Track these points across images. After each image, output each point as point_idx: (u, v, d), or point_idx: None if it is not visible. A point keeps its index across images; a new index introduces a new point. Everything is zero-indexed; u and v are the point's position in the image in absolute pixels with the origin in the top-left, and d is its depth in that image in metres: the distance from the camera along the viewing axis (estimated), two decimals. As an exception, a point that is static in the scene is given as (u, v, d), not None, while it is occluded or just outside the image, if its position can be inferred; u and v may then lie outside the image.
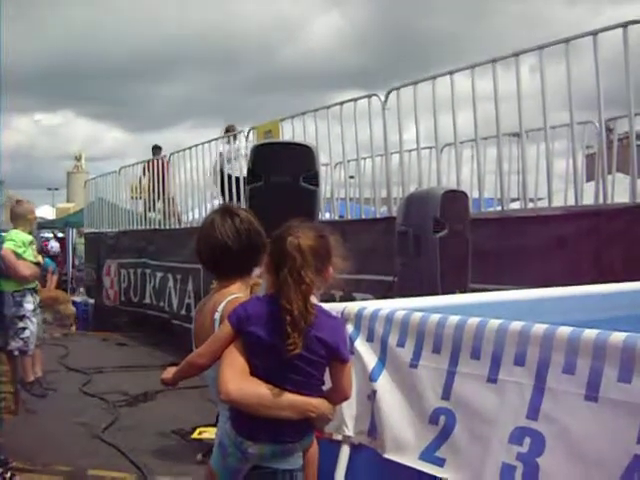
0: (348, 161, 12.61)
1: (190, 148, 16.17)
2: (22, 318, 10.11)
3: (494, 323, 3.21)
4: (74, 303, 19.54)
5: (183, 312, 14.91)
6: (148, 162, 18.62)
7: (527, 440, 2.94)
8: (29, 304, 10.23)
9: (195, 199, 16.63)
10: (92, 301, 20.70)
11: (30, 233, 10.76)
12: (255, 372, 3.23)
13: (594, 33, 8.07)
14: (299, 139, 11.76)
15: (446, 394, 3.31)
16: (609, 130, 11.47)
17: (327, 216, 12.73)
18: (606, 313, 4.81)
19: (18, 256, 10.04)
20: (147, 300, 17.39)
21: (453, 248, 7.03)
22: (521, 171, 9.42)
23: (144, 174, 18.54)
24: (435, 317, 3.48)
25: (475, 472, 3.09)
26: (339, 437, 3.78)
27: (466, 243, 7.26)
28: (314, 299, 3.34)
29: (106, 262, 19.99)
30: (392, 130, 11.14)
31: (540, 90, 8.77)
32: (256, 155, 7.65)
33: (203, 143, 15.56)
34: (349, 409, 3.70)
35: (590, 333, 2.87)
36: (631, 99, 7.95)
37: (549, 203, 9.14)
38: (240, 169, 13.49)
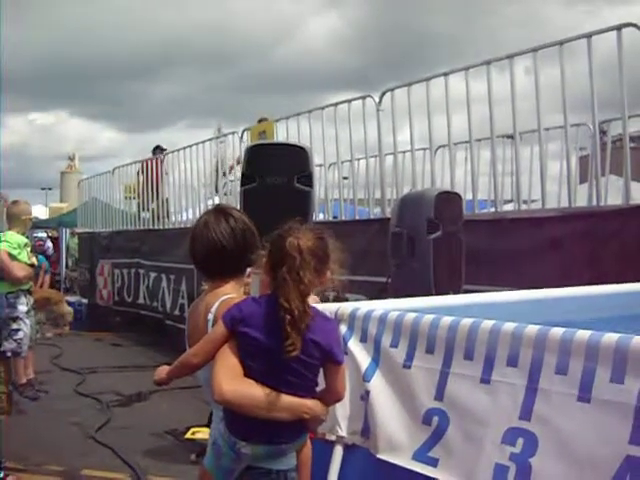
0: (342, 162, 12.62)
1: (184, 148, 16.18)
2: (15, 319, 10.09)
3: (487, 324, 3.22)
4: (68, 303, 19.48)
5: (177, 312, 14.89)
6: (143, 162, 18.59)
7: (520, 440, 2.95)
8: (23, 306, 10.21)
9: (189, 199, 16.63)
10: (86, 301, 20.66)
11: (24, 234, 10.74)
12: (249, 373, 3.23)
13: (588, 35, 8.09)
14: (293, 140, 11.77)
15: (439, 395, 3.32)
16: (603, 132, 11.49)
17: (321, 217, 12.73)
18: (599, 314, 4.83)
19: (13, 258, 10.03)
20: (141, 300, 17.36)
21: (447, 249, 7.04)
22: (515, 173, 9.44)
23: (142, 173, 18.50)
24: (428, 318, 3.49)
25: (468, 472, 3.10)
26: (332, 437, 3.78)
27: (460, 244, 7.27)
28: (311, 300, 3.36)
29: (100, 262, 19.95)
30: (386, 131, 11.16)
31: (537, 92, 8.79)
32: (250, 156, 7.64)
33: (197, 143, 15.56)
34: (342, 409, 3.71)
35: (583, 334, 2.88)
36: (624, 101, 7.97)
37: (542, 205, 9.15)
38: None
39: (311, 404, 3.28)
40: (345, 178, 13.17)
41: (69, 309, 18.41)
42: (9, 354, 10.03)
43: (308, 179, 7.53)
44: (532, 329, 3.05)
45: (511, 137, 9.78)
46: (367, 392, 3.64)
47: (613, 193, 9.65)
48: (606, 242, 7.72)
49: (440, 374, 3.34)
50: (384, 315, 3.71)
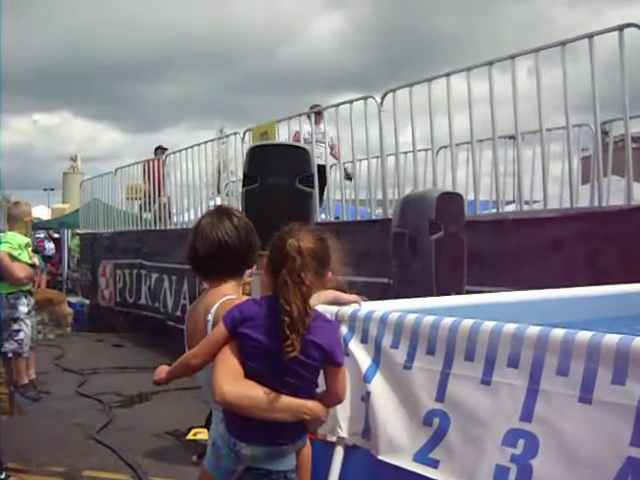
0: (344, 163, 12.63)
1: (186, 149, 16.20)
2: (16, 320, 10.08)
3: (488, 325, 3.21)
4: (69, 304, 19.48)
5: (178, 313, 14.88)
6: (145, 163, 18.62)
7: (521, 442, 2.94)
8: (23, 306, 10.20)
9: (191, 200, 16.65)
10: (87, 302, 20.68)
11: (26, 235, 10.74)
12: (249, 374, 3.22)
13: (590, 36, 8.09)
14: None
15: (440, 396, 3.32)
16: (605, 133, 11.49)
17: (323, 217, 12.73)
18: (601, 315, 4.83)
19: (14, 258, 10.02)
20: (142, 301, 17.38)
21: (448, 250, 7.03)
22: (516, 173, 9.43)
23: (144, 175, 18.51)
24: (429, 319, 3.48)
25: (469, 474, 3.09)
26: (333, 438, 3.78)
27: (461, 245, 7.26)
28: (313, 301, 3.35)
29: (101, 263, 19.97)
30: (388, 132, 11.16)
31: (538, 93, 8.79)
32: (251, 157, 7.64)
33: (199, 144, 15.59)
34: (343, 410, 3.70)
35: (584, 335, 2.87)
36: (626, 102, 7.96)
37: (544, 205, 9.14)
38: (325, 156, 13.23)
39: (311, 405, 3.28)
40: (347, 179, 13.18)
41: (70, 310, 18.41)
42: (10, 355, 10.04)
43: (309, 180, 7.54)
44: (533, 330, 3.04)
45: (513, 138, 9.78)
46: (368, 393, 3.63)
47: (615, 194, 9.64)
48: (608, 243, 7.71)
49: (441, 375, 3.33)
50: (385, 316, 3.70)
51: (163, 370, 3.68)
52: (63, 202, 45.44)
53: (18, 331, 10.09)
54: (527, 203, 11.01)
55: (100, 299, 19.84)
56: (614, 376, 2.73)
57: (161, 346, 14.10)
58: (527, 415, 2.96)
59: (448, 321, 3.39)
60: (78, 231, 24.33)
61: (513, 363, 3.06)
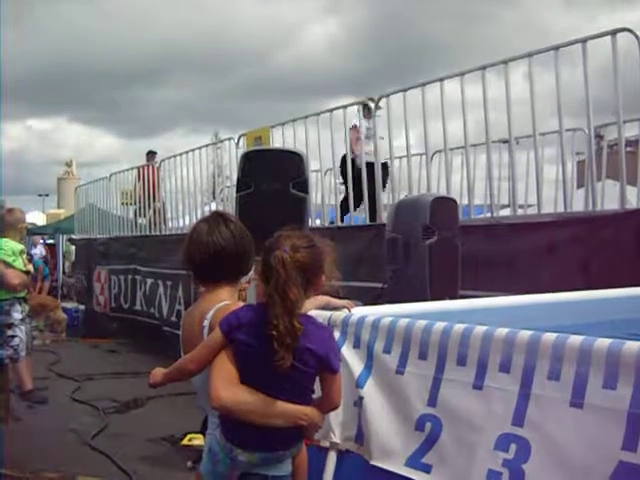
0: (338, 168, 12.64)
1: (181, 154, 16.21)
2: (10, 326, 10.09)
3: (480, 330, 3.22)
4: (65, 310, 19.47)
5: (173, 318, 14.86)
6: (140, 168, 18.63)
7: (513, 446, 2.95)
8: (17, 313, 10.19)
9: (186, 205, 16.65)
10: (82, 307, 20.66)
11: (20, 241, 10.74)
12: (245, 380, 3.22)
13: (583, 40, 8.11)
14: (289, 146, 11.79)
15: (432, 401, 3.32)
16: (599, 137, 11.52)
17: (317, 222, 12.73)
18: (595, 319, 4.83)
19: (8, 265, 10.02)
20: (137, 307, 17.35)
21: (443, 255, 7.03)
22: (511, 178, 9.44)
23: (138, 180, 18.52)
24: (421, 324, 3.49)
25: (461, 478, 3.10)
26: (326, 444, 3.79)
27: (456, 250, 7.27)
28: (309, 305, 3.35)
29: (96, 268, 19.96)
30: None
31: (531, 97, 8.80)
32: (246, 162, 7.65)
33: (194, 149, 15.61)
34: (336, 416, 3.70)
35: (575, 340, 2.88)
36: (620, 106, 7.98)
37: (538, 210, 9.15)
38: (376, 152, 11.71)
39: (307, 411, 3.28)
40: (342, 183, 13.19)
41: (64, 316, 18.40)
42: (7, 361, 10.03)
43: (303, 185, 7.54)
44: (524, 335, 3.05)
45: (507, 142, 9.79)
46: (360, 398, 3.64)
47: (610, 197, 9.65)
48: (602, 247, 7.72)
49: (433, 380, 3.34)
50: (377, 321, 3.71)
51: (159, 373, 3.67)
52: (58, 207, 45.48)
53: (13, 337, 10.10)
54: (522, 207, 11.03)
55: (95, 305, 19.82)
56: (605, 380, 2.74)
57: (156, 352, 14.05)
58: (519, 420, 2.96)
59: (440, 326, 3.40)
60: (73, 236, 24.30)
61: (505, 368, 3.07)
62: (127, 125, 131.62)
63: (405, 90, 10.44)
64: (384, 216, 10.22)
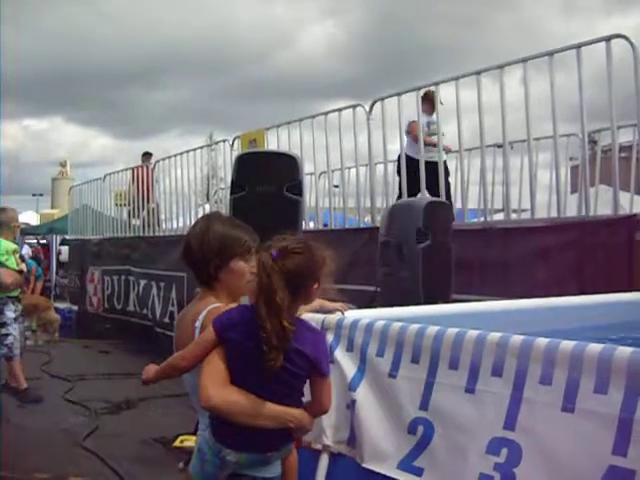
0: (332, 171, 12.64)
1: (175, 156, 16.21)
2: (3, 325, 10.08)
3: (472, 334, 3.23)
4: (58, 310, 19.43)
5: (166, 320, 14.86)
6: (134, 169, 18.63)
7: (504, 450, 2.96)
8: (10, 312, 10.19)
9: (180, 207, 16.65)
10: (75, 308, 20.62)
11: (14, 241, 10.73)
12: (235, 380, 3.23)
13: (577, 46, 8.13)
14: (284, 148, 11.80)
15: (424, 404, 3.33)
16: (594, 142, 11.55)
17: (311, 225, 12.75)
18: (587, 324, 4.86)
19: (0, 264, 10.02)
20: (131, 307, 17.33)
21: (436, 259, 7.04)
22: (504, 182, 9.46)
23: (133, 181, 18.51)
24: (414, 327, 3.50)
25: (453, 482, 3.11)
26: (318, 446, 3.79)
27: (449, 254, 7.28)
28: (304, 307, 3.37)
29: (90, 269, 19.93)
30: (377, 140, 11.19)
31: (526, 102, 8.83)
32: (240, 165, 7.65)
33: (188, 151, 15.61)
34: (328, 418, 3.71)
35: (567, 344, 2.89)
36: (613, 112, 8.01)
37: (532, 215, 9.17)
38: (439, 147, 10.58)
39: (296, 413, 3.27)
40: (336, 186, 13.20)
41: (57, 316, 18.35)
42: (1, 359, 10.04)
43: (297, 188, 7.54)
44: (517, 339, 3.06)
45: (502, 146, 9.81)
46: (353, 401, 3.65)
47: (603, 203, 9.68)
48: (595, 252, 7.74)
49: (425, 384, 3.35)
50: (370, 324, 3.72)
51: (152, 369, 3.68)
52: (52, 208, 45.44)
53: (6, 335, 10.10)
54: (515, 212, 11.05)
55: (88, 305, 19.79)
56: (596, 385, 2.75)
57: (149, 353, 14.00)
58: (510, 424, 2.97)
59: (433, 330, 3.41)
60: (67, 237, 24.27)
61: (497, 372, 3.08)
62: (123, 126, 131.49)
63: (399, 94, 10.46)
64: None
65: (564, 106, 8.78)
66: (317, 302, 3.89)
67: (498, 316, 4.80)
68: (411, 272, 6.91)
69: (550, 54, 8.44)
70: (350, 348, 3.78)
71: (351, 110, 11.40)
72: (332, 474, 3.76)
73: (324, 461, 3.78)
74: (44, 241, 30.10)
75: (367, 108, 11.07)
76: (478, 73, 9.31)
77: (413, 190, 10.46)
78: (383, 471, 3.42)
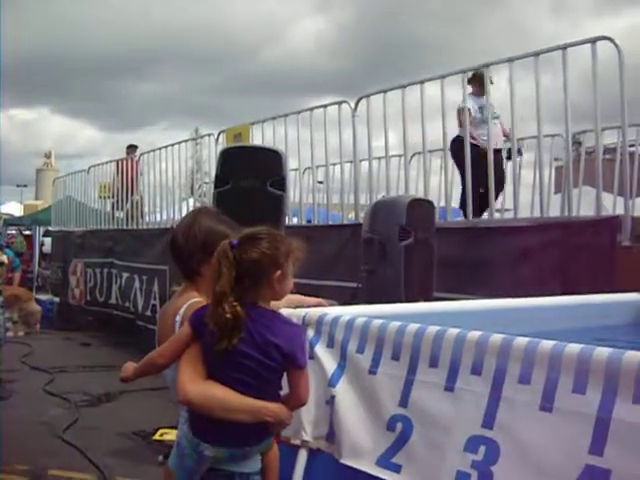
0: (317, 167, 12.65)
1: (160, 149, 16.19)
2: None
3: (452, 332, 3.23)
4: (39, 302, 19.39)
5: (148, 313, 14.85)
6: (119, 161, 18.58)
7: (482, 448, 2.96)
8: (-10, 304, 10.19)
9: (164, 200, 16.63)
10: (57, 300, 20.57)
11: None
12: (210, 374, 3.23)
13: (563, 47, 8.16)
14: (269, 143, 11.80)
15: (404, 401, 3.33)
16: (578, 143, 11.59)
17: (295, 221, 12.75)
18: (568, 324, 4.87)
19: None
20: (113, 300, 17.31)
21: (418, 256, 7.06)
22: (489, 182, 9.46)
23: (117, 174, 18.47)
24: (395, 325, 3.50)
25: (430, 478, 3.11)
26: (297, 442, 3.78)
27: (431, 252, 7.30)
28: (283, 302, 3.37)
29: (73, 261, 19.88)
30: (362, 137, 11.21)
31: (511, 102, 8.84)
32: (224, 159, 7.65)
33: (173, 144, 15.59)
34: (308, 414, 3.71)
35: (546, 344, 2.90)
36: (597, 113, 8.04)
37: (515, 214, 9.20)
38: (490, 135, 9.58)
39: (274, 407, 3.27)
40: (320, 182, 13.20)
41: (38, 308, 18.31)
42: None
43: (281, 183, 7.55)
44: (496, 338, 3.07)
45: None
46: (332, 397, 3.64)
47: (587, 204, 9.71)
48: (577, 253, 7.77)
49: (405, 381, 3.35)
50: (351, 321, 3.72)
51: (130, 367, 3.66)
52: (36, 199, 45.26)
53: None
54: (498, 211, 11.08)
55: (70, 297, 19.75)
56: (575, 385, 2.76)
57: (130, 346, 14.03)
58: (489, 422, 2.98)
59: (413, 327, 3.41)
60: (50, 228, 24.20)
61: (476, 370, 3.08)
62: (110, 118, 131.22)
63: (385, 91, 10.47)
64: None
65: (549, 107, 8.80)
66: (297, 298, 3.90)
67: (479, 315, 4.81)
68: (393, 269, 6.93)
69: (536, 54, 8.47)
70: (331, 344, 3.77)
71: (336, 106, 11.41)
72: (310, 470, 3.76)
73: (302, 457, 3.77)
74: (28, 232, 30.00)
75: (352, 105, 11.08)
76: (463, 72, 9.33)
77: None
78: (361, 467, 3.42)
